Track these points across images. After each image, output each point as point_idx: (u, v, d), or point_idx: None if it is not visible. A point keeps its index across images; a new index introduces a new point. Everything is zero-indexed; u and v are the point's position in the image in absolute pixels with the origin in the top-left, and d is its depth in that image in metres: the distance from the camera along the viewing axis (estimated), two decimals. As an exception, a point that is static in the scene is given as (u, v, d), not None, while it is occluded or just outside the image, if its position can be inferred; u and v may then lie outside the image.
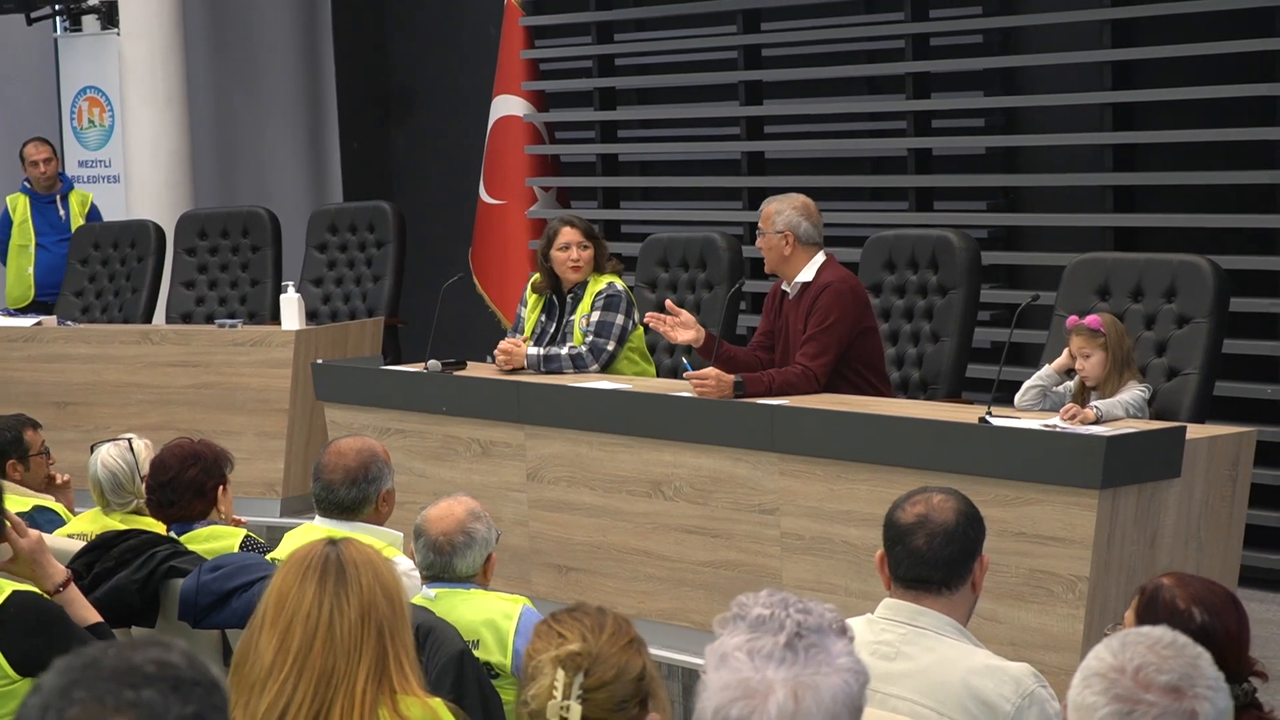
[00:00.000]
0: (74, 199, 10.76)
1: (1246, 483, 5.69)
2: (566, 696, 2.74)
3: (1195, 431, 5.60)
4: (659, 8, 9.96)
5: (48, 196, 10.67)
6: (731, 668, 2.21)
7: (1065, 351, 6.18)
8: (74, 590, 4.28)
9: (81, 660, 1.71)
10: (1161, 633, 2.23)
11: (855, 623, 3.70)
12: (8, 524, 4.17)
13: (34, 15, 11.90)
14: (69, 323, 9.68)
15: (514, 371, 7.27)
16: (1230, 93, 7.55)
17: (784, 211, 6.72)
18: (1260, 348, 7.37)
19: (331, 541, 3.17)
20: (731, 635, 2.26)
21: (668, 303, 6.92)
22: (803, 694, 2.16)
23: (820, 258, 6.74)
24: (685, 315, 6.75)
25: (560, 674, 2.75)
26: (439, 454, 7.30)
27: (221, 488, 5.16)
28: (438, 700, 3.18)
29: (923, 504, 3.68)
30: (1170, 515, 5.48)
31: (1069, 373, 6.18)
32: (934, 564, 3.63)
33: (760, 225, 6.77)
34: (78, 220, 10.65)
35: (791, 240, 6.71)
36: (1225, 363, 6.39)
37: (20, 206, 10.68)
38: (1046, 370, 6.21)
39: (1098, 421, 5.63)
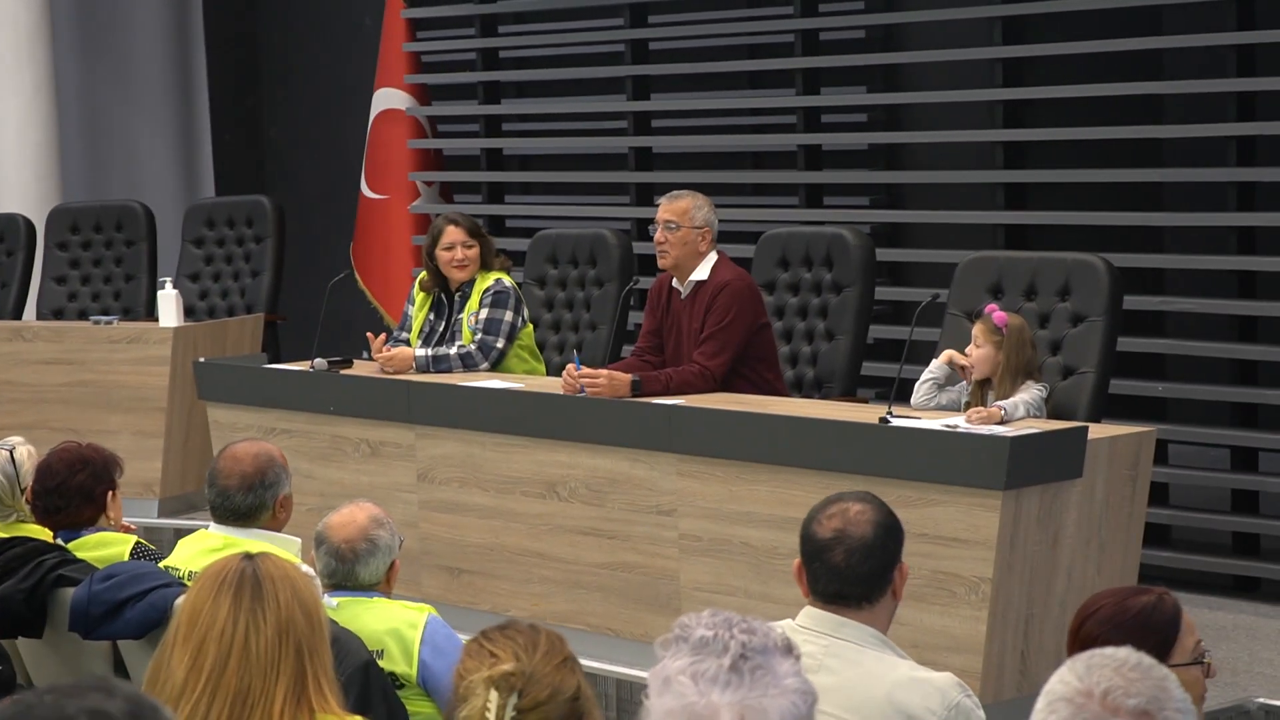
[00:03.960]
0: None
1: (1146, 482, 5.72)
2: (500, 718, 2.66)
3: (1096, 431, 5.61)
4: (544, 1, 9.87)
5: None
6: (675, 692, 2.13)
7: (945, 350, 6.21)
8: (-37, 604, 4.14)
9: (13, 710, 1.61)
10: (1127, 654, 2.18)
11: (775, 630, 3.65)
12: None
13: (-104, 2, 11.59)
14: (-63, 320, 9.45)
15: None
16: (1118, 91, 7.59)
17: (702, 208, 6.67)
18: (1148, 345, 7.41)
19: (248, 556, 3.06)
20: (674, 658, 2.17)
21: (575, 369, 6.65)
22: (750, 717, 2.09)
23: (713, 256, 6.71)
24: (599, 380, 6.45)
25: (493, 695, 2.66)
26: (326, 454, 7.18)
27: (111, 493, 5.02)
28: (357, 718, 3.08)
29: (839, 517, 3.61)
30: (1072, 515, 5.48)
31: (963, 368, 6.18)
32: (855, 580, 3.57)
33: (671, 219, 6.65)
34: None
35: (709, 237, 6.66)
36: (1116, 360, 6.41)
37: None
38: (935, 364, 6.22)
39: (1002, 422, 5.62)
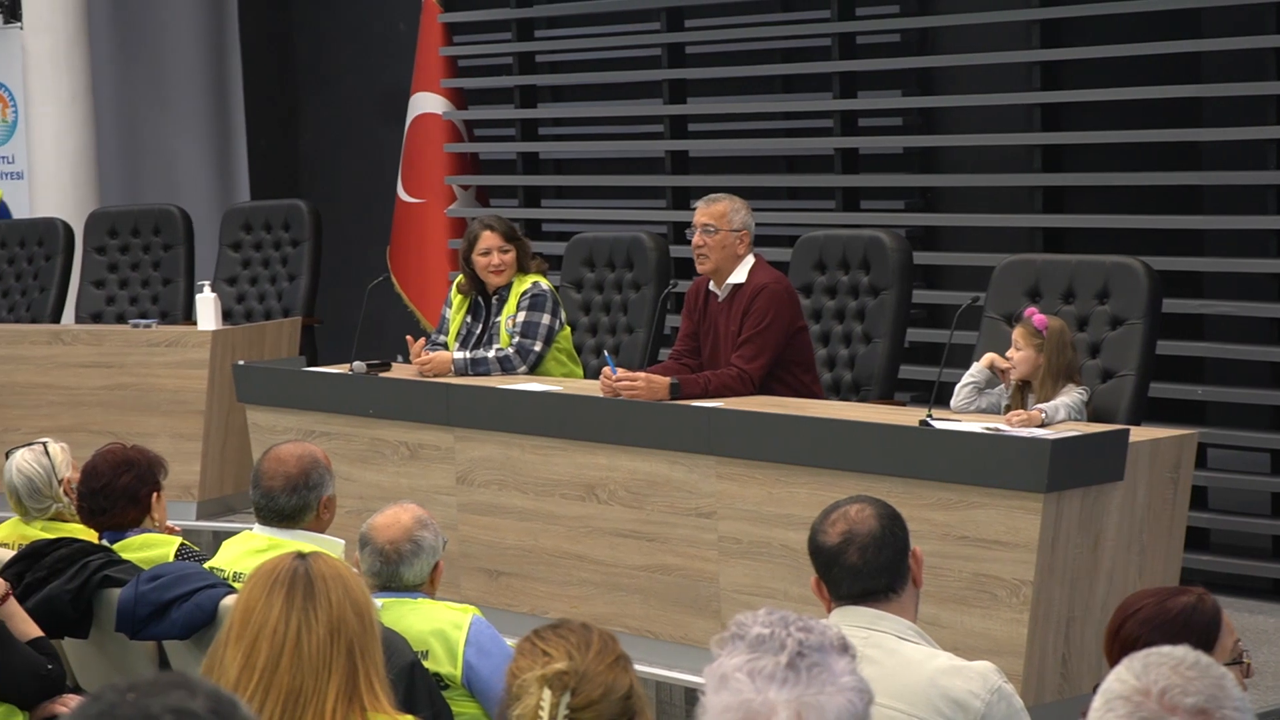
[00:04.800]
0: (-20, 196, 10.57)
1: (1188, 485, 5.69)
2: (553, 716, 2.67)
3: (1137, 434, 5.60)
4: (580, 4, 9.87)
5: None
6: (732, 689, 2.13)
7: (987, 353, 6.20)
8: (13, 604, 4.17)
9: (96, 709, 1.61)
10: (1184, 653, 2.18)
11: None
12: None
13: (-65, 9, 11.67)
14: (-25, 323, 9.49)
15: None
16: (1157, 94, 7.57)
17: (739, 211, 6.68)
18: (1187, 348, 7.39)
19: (300, 555, 3.07)
20: (730, 655, 2.18)
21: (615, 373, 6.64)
22: (806, 715, 2.09)
23: (750, 259, 6.71)
24: (637, 383, 6.48)
25: (547, 694, 2.68)
26: (366, 457, 7.19)
27: (156, 495, 5.05)
28: (409, 717, 3.09)
29: (842, 521, 3.66)
30: (1113, 518, 5.47)
31: (1004, 371, 6.17)
32: (875, 573, 3.62)
33: (709, 223, 6.66)
34: (-15, 217, 10.44)
35: (747, 240, 6.67)
36: (1155, 363, 6.39)
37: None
38: (976, 367, 6.21)
39: (1043, 425, 5.61)
